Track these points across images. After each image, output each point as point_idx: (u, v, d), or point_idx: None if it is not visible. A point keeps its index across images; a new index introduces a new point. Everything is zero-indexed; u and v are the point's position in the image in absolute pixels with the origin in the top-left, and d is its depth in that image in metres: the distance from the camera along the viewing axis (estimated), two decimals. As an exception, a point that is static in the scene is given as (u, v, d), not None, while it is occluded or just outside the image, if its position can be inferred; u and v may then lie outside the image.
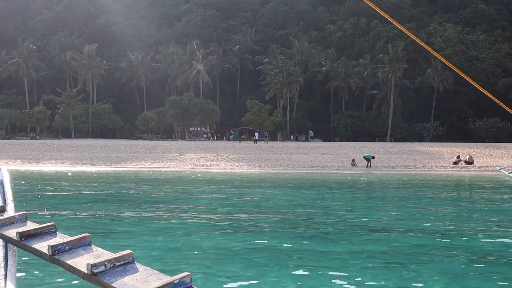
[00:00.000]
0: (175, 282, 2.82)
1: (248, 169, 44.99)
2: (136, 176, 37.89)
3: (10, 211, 4.41)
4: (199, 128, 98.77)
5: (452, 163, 49.24)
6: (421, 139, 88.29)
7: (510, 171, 39.21)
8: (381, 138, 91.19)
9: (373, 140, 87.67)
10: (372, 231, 15.02)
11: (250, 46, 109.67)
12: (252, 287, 8.96)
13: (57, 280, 7.06)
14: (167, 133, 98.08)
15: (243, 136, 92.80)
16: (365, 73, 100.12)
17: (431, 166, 47.54)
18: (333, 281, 9.41)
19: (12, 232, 3.72)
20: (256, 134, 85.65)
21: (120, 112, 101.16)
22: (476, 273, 10.32)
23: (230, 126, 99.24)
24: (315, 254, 11.59)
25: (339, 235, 14.10)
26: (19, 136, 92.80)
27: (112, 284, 2.87)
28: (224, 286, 8.63)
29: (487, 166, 46.47)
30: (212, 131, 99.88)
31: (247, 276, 9.44)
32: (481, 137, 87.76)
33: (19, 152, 58.71)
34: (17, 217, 4.06)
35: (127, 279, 2.92)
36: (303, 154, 56.52)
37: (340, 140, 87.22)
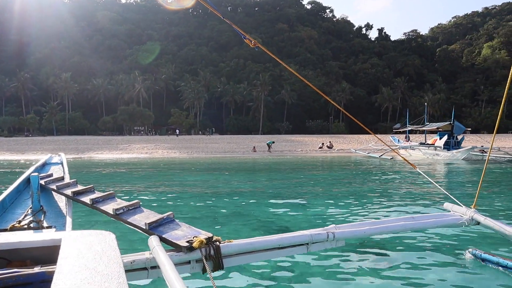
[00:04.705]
0: (164, 217, 2.92)
1: (180, 155, 39.05)
2: (90, 162, 31.90)
3: (67, 179, 4.35)
4: (140, 127, 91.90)
5: (318, 148, 44.35)
6: (279, 133, 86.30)
7: (368, 152, 33.90)
8: (256, 132, 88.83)
9: (250, 133, 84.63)
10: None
11: (172, 75, 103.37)
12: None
13: (96, 218, 7.20)
14: (119, 131, 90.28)
15: (169, 132, 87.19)
16: (245, 92, 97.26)
17: (306, 150, 42.79)
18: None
19: (68, 191, 3.82)
20: (177, 130, 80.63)
21: (87, 118, 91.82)
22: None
23: (160, 126, 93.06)
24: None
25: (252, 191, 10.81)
26: (18, 135, 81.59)
27: (127, 220, 2.99)
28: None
29: (342, 149, 42.47)
30: (150, 129, 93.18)
31: (190, 206, 7.64)
32: (312, 131, 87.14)
33: (13, 146, 50.08)
34: (71, 182, 4.11)
35: (136, 217, 3.02)
36: (215, 143, 51.11)
37: (230, 134, 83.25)
